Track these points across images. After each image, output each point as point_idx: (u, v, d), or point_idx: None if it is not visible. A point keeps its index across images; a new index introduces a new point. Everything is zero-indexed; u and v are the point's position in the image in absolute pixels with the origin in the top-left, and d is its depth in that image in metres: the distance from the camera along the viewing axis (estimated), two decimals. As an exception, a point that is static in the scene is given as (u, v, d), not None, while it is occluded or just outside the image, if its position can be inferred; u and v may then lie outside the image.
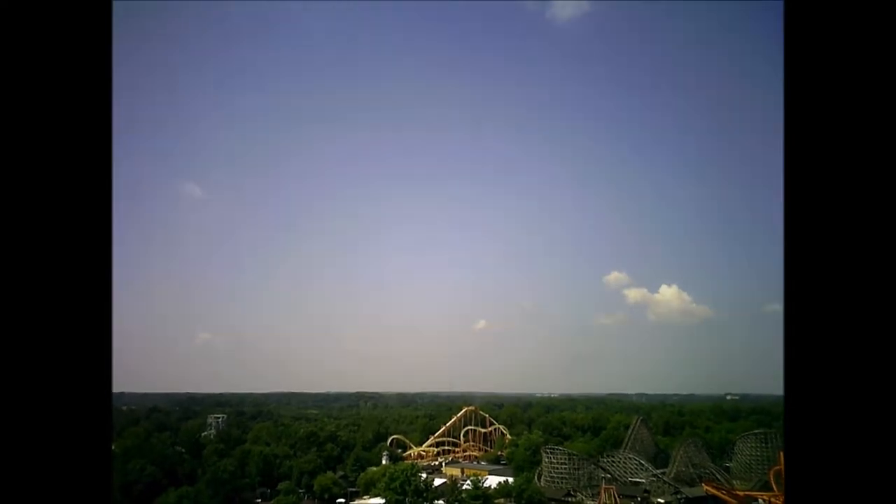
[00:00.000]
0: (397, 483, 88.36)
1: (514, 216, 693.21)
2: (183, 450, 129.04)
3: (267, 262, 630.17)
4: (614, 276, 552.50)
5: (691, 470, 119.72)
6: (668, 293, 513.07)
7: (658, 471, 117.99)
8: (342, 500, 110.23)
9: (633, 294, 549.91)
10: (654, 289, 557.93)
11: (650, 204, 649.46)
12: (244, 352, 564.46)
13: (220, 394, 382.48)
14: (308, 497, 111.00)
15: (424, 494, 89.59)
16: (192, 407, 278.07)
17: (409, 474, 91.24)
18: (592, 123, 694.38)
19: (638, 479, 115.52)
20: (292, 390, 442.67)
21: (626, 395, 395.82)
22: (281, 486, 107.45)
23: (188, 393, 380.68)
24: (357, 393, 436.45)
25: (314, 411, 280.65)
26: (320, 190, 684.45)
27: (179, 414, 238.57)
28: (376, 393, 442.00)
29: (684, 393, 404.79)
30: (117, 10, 10.23)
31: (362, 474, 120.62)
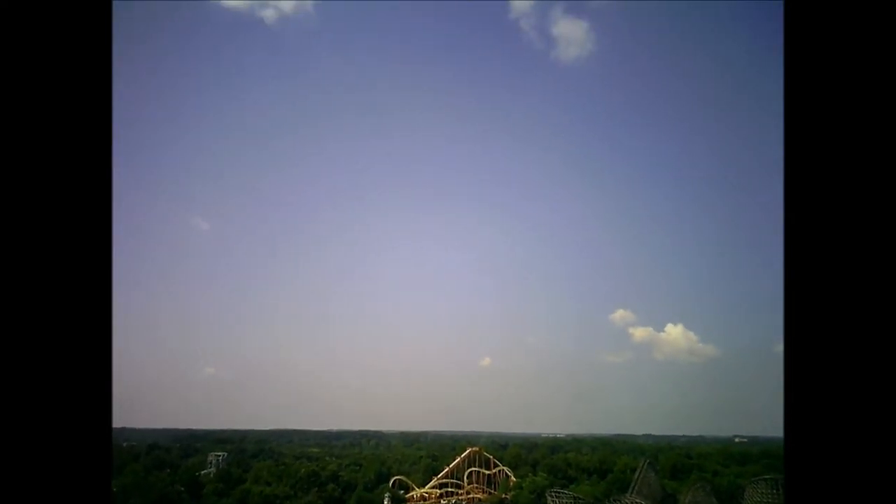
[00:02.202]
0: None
1: (519, 252, 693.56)
2: (182, 489, 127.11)
3: (270, 294, 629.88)
4: (620, 314, 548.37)
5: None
6: (674, 332, 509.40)
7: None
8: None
9: (639, 332, 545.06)
10: (659, 327, 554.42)
11: (655, 241, 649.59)
12: (248, 386, 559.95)
13: (222, 430, 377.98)
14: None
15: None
16: (192, 444, 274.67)
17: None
18: (598, 159, 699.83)
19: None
20: (294, 427, 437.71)
21: (633, 436, 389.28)
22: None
23: (189, 429, 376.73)
24: (359, 431, 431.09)
25: (316, 449, 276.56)
26: (320, 221, 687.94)
27: (180, 451, 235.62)
28: (379, 431, 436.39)
29: (692, 434, 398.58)
30: (117, 9, 10.42)
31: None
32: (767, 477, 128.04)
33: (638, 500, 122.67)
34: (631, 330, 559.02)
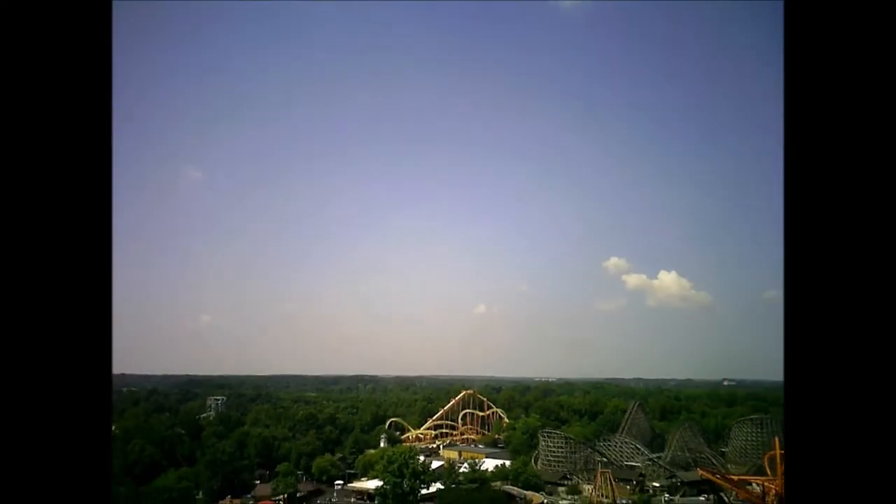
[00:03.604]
0: (395, 465, 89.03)
1: (514, 201, 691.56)
2: (182, 431, 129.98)
3: (268, 244, 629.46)
4: (613, 262, 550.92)
5: (687, 454, 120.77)
6: (668, 279, 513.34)
7: (654, 455, 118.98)
8: (340, 482, 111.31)
9: (633, 280, 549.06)
10: (653, 275, 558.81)
11: (650, 190, 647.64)
12: (245, 334, 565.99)
13: (220, 376, 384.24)
14: (306, 479, 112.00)
15: (422, 477, 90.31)
16: (191, 389, 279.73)
17: (406, 457, 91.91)
18: (594, 110, 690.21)
19: (634, 464, 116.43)
20: (292, 373, 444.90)
21: (624, 380, 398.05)
22: (279, 467, 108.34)
23: (188, 375, 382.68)
24: (356, 376, 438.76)
25: (313, 394, 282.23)
26: (320, 174, 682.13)
27: (179, 396, 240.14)
28: (375, 376, 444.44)
29: (681, 378, 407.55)
30: (117, 9, 10.16)
31: (360, 457, 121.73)
32: (753, 417, 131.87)
33: (627, 440, 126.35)
34: (624, 277, 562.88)
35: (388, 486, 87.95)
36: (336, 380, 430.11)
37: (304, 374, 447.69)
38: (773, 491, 75.60)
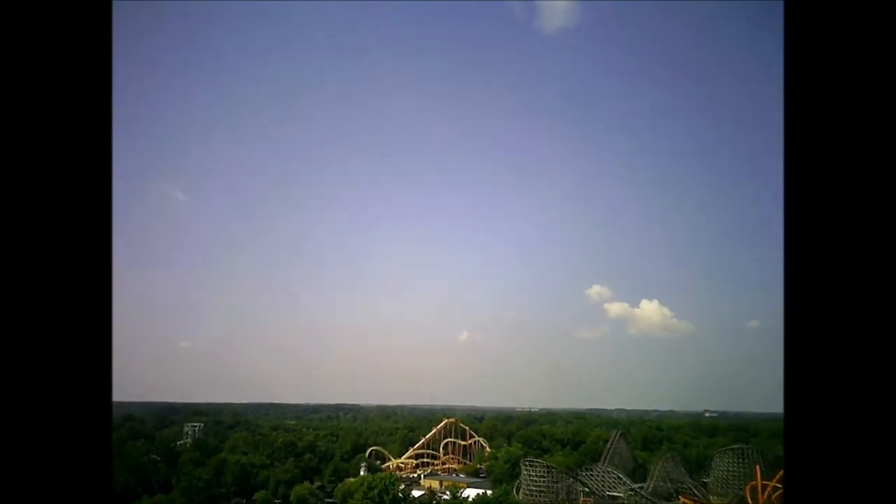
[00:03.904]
0: (375, 492, 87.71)
1: (497, 227, 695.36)
2: (158, 458, 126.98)
3: (248, 270, 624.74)
4: (596, 290, 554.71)
5: (669, 485, 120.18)
6: (649, 308, 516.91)
7: (636, 485, 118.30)
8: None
9: (615, 308, 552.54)
10: (635, 303, 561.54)
11: (632, 218, 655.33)
12: (224, 360, 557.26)
13: (198, 403, 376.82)
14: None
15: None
16: (168, 416, 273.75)
17: (387, 483, 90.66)
18: (576, 138, 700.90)
19: (616, 493, 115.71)
20: (271, 401, 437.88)
21: (606, 411, 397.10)
22: (257, 495, 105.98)
23: (166, 402, 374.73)
24: (337, 405, 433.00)
25: (293, 422, 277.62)
26: (304, 198, 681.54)
27: (155, 423, 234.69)
28: (356, 405, 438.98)
29: (663, 409, 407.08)
30: (117, 9, 10.23)
31: (340, 485, 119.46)
32: (735, 447, 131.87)
33: (609, 470, 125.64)
34: (607, 305, 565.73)
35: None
36: (316, 408, 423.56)
37: (283, 402, 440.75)
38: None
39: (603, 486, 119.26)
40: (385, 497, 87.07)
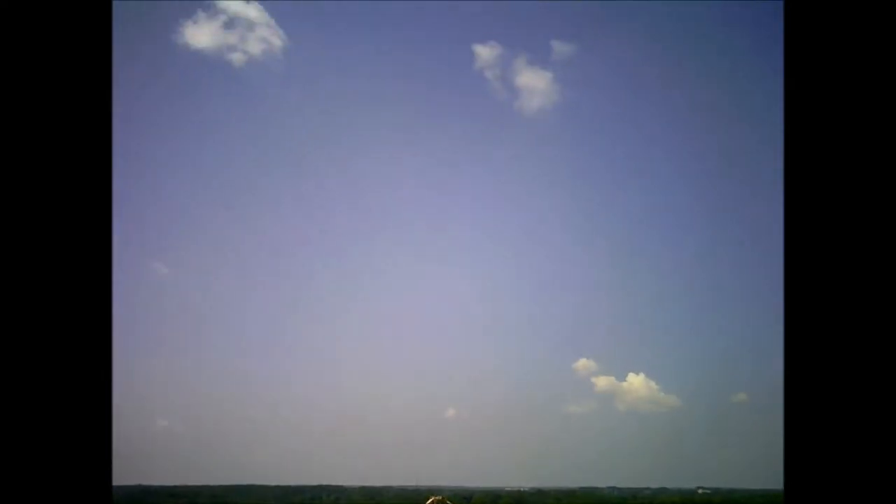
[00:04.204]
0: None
1: (485, 301, 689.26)
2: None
3: (228, 345, 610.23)
4: (583, 363, 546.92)
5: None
6: (636, 381, 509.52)
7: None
8: None
9: (602, 382, 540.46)
10: (621, 377, 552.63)
11: (617, 290, 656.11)
12: (203, 439, 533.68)
13: (175, 486, 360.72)
14: None
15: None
16: (144, 499, 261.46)
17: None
18: (562, 207, 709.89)
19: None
20: (251, 482, 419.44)
21: (598, 489, 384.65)
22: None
23: (140, 485, 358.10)
24: (319, 486, 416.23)
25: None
26: (276, 269, 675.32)
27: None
28: (340, 486, 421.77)
29: (655, 486, 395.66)
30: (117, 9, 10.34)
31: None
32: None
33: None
34: (594, 379, 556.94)
35: None
36: (298, 489, 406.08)
37: (264, 483, 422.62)
38: None
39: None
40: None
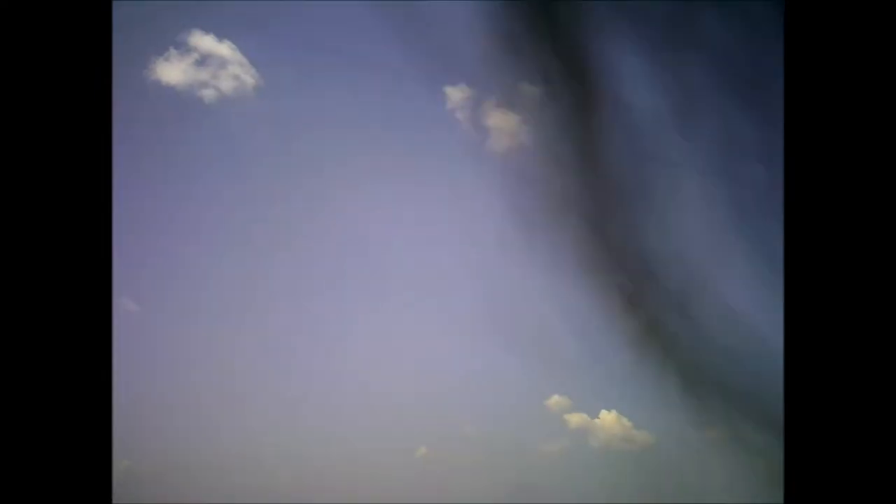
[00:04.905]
0: None
1: (456, 338, 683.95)
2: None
3: (198, 379, 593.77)
4: (555, 400, 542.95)
5: None
6: (608, 418, 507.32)
7: None
8: None
9: (575, 419, 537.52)
10: (594, 413, 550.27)
11: (588, 322, 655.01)
12: (168, 481, 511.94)
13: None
14: None
15: None
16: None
17: None
18: (533, 243, 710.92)
19: None
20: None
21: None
22: None
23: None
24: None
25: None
26: (256, 311, 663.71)
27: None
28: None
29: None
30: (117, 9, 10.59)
31: None
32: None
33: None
34: (566, 416, 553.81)
35: None
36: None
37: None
38: None
39: None
40: None
